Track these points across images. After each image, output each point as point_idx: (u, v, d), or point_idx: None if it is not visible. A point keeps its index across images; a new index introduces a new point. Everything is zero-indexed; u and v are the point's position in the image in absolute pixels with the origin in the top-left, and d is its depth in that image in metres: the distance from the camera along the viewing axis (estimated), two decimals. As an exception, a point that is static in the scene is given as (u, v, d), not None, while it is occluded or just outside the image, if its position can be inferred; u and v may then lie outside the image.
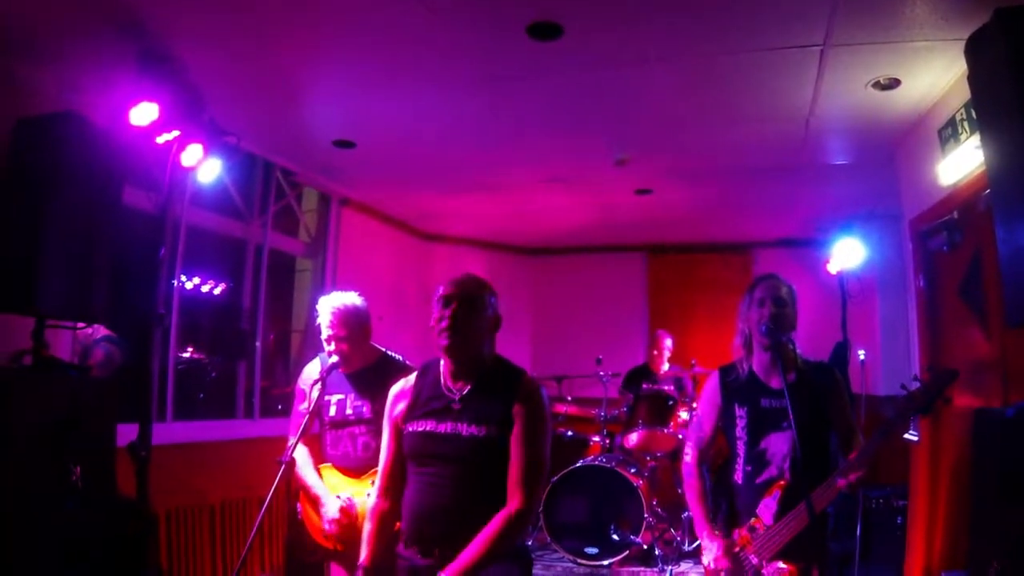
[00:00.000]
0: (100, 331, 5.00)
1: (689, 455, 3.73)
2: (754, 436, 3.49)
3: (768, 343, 3.44)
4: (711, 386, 3.73)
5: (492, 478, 2.93)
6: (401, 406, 3.16)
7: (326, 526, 3.92)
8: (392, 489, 3.16)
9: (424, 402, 3.09)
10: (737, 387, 3.60)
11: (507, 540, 2.86)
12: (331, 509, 3.93)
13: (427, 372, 3.20)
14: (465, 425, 2.96)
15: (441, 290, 3.06)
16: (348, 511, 3.93)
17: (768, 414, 3.46)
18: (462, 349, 3.03)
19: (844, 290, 6.46)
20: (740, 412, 3.54)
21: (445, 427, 2.98)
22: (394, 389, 3.26)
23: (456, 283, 3.06)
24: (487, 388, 3.03)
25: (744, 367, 3.60)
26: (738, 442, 3.54)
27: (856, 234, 6.60)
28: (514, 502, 2.88)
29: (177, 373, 6.17)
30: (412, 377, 3.24)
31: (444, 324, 3.00)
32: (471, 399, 3.02)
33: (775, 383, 3.44)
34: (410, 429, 3.08)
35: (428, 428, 3.01)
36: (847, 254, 6.59)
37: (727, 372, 3.68)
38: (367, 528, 3.17)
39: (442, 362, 3.14)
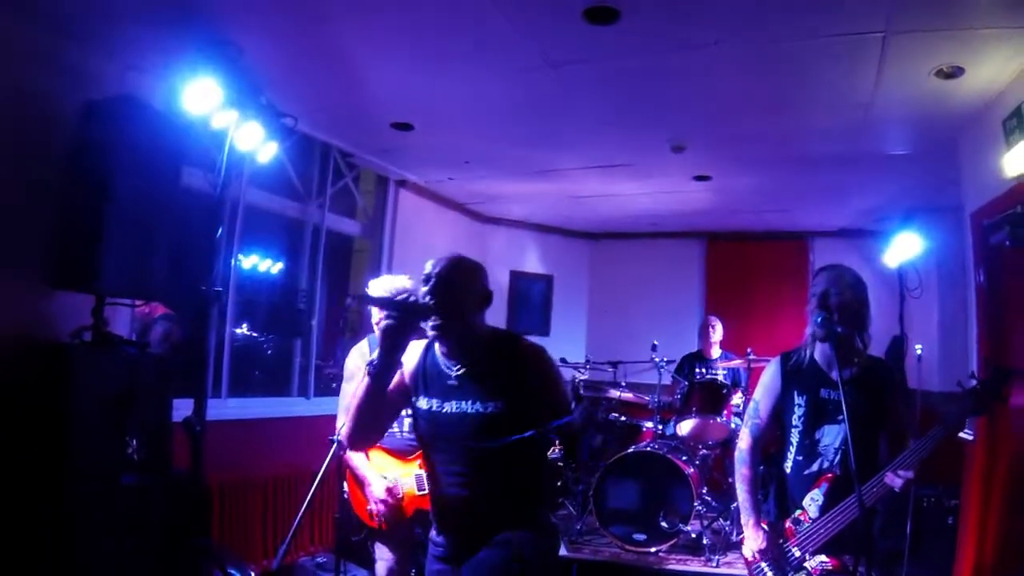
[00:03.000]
0: (159, 309, 5.12)
1: (744, 442, 3.66)
2: (809, 426, 3.43)
3: (819, 335, 3.39)
4: (771, 372, 3.65)
5: (507, 455, 2.89)
6: (410, 368, 3.11)
7: (372, 507, 3.99)
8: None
9: (429, 378, 3.06)
10: (798, 375, 3.53)
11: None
12: (377, 490, 4.00)
13: (431, 346, 3.12)
14: (469, 403, 2.94)
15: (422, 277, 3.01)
16: (393, 492, 3.99)
17: (826, 405, 3.39)
18: (448, 330, 2.94)
19: (902, 283, 6.35)
20: (799, 400, 3.47)
21: (450, 406, 2.96)
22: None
23: (433, 268, 2.97)
24: (484, 363, 2.99)
25: (806, 355, 3.52)
26: (792, 431, 3.48)
27: (915, 226, 6.47)
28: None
29: (233, 350, 6.28)
30: (421, 345, 3.15)
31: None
32: (468, 376, 2.98)
33: (836, 374, 3.34)
34: (417, 405, 3.07)
35: (434, 408, 3.00)
36: (906, 246, 6.47)
37: (788, 358, 3.60)
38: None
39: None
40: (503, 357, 3.01)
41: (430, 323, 2.91)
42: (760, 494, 3.61)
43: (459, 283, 2.96)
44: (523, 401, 2.93)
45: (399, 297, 2.92)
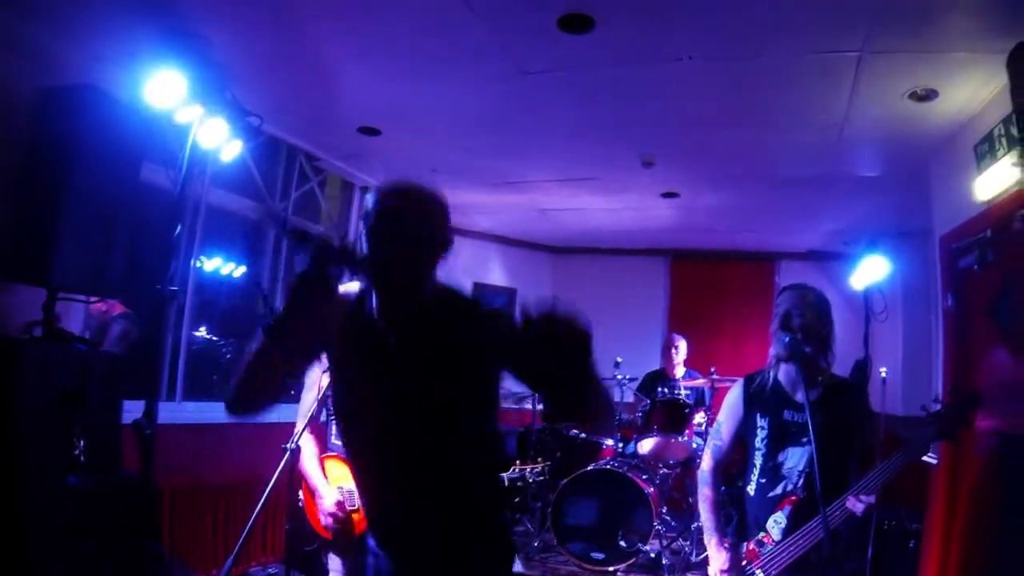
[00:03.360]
0: (117, 307, 5.00)
1: (706, 464, 3.63)
2: (772, 449, 3.37)
3: (784, 356, 3.35)
4: (734, 395, 3.61)
5: (464, 455, 2.28)
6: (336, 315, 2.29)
7: (322, 519, 3.88)
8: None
9: (360, 338, 2.31)
10: (761, 397, 3.48)
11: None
12: (328, 503, 3.88)
13: (366, 296, 2.34)
14: (410, 380, 2.21)
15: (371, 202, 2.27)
16: (343, 506, 3.88)
17: (789, 427, 3.34)
18: (389, 285, 2.25)
19: (868, 306, 6.34)
20: (761, 423, 3.42)
21: (383, 383, 2.26)
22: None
23: (380, 200, 2.25)
24: (433, 329, 2.24)
25: (769, 376, 3.47)
26: (756, 453, 3.43)
27: (882, 249, 6.49)
28: None
29: (192, 353, 6.16)
30: (354, 289, 2.38)
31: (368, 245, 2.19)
32: (411, 345, 2.24)
33: (800, 396, 3.30)
34: (338, 370, 2.39)
35: (359, 383, 2.33)
36: (872, 270, 6.48)
37: (751, 380, 3.55)
38: None
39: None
40: (456, 322, 2.28)
41: (367, 274, 2.20)
42: (722, 515, 3.56)
43: (413, 223, 2.25)
44: (481, 379, 2.29)
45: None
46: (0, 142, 4.07)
